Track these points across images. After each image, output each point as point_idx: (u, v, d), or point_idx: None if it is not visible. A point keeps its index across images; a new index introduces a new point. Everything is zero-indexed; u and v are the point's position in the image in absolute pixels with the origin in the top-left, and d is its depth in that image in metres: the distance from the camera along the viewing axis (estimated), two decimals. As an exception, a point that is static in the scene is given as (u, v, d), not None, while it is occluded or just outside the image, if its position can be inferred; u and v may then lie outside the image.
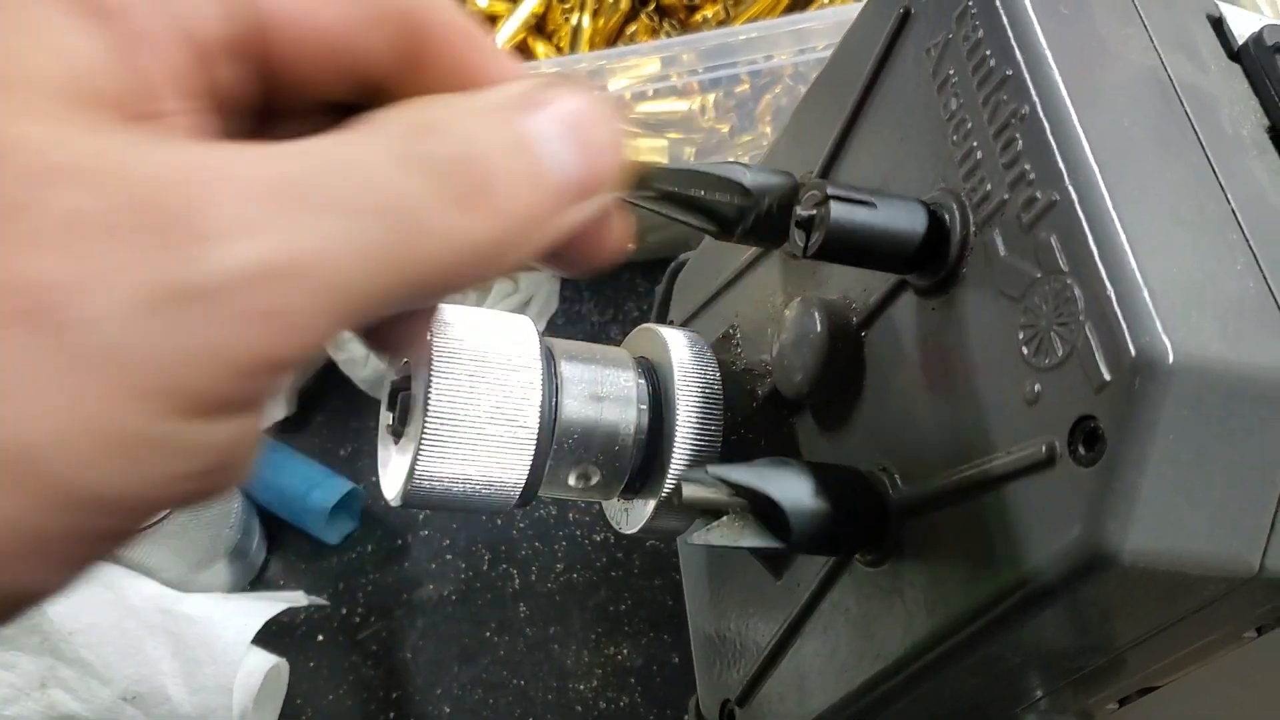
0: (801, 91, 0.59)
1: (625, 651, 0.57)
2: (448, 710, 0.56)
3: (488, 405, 0.34)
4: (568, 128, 0.22)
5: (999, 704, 0.35)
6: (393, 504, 0.35)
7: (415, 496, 0.34)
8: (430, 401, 0.33)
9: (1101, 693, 0.35)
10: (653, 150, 0.61)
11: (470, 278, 0.21)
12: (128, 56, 0.20)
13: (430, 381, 0.33)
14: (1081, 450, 0.26)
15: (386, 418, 0.35)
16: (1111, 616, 0.29)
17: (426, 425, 0.33)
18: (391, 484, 0.35)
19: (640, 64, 0.55)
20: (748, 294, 0.42)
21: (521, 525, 0.61)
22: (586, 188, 0.22)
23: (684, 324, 0.46)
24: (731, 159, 0.36)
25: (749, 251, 0.42)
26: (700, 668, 0.43)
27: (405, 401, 0.34)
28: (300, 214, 0.18)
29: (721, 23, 0.63)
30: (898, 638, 0.32)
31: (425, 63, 0.24)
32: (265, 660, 0.54)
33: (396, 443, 0.35)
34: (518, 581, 0.59)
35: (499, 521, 0.61)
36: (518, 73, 0.24)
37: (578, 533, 0.61)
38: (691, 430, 0.36)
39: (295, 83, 0.23)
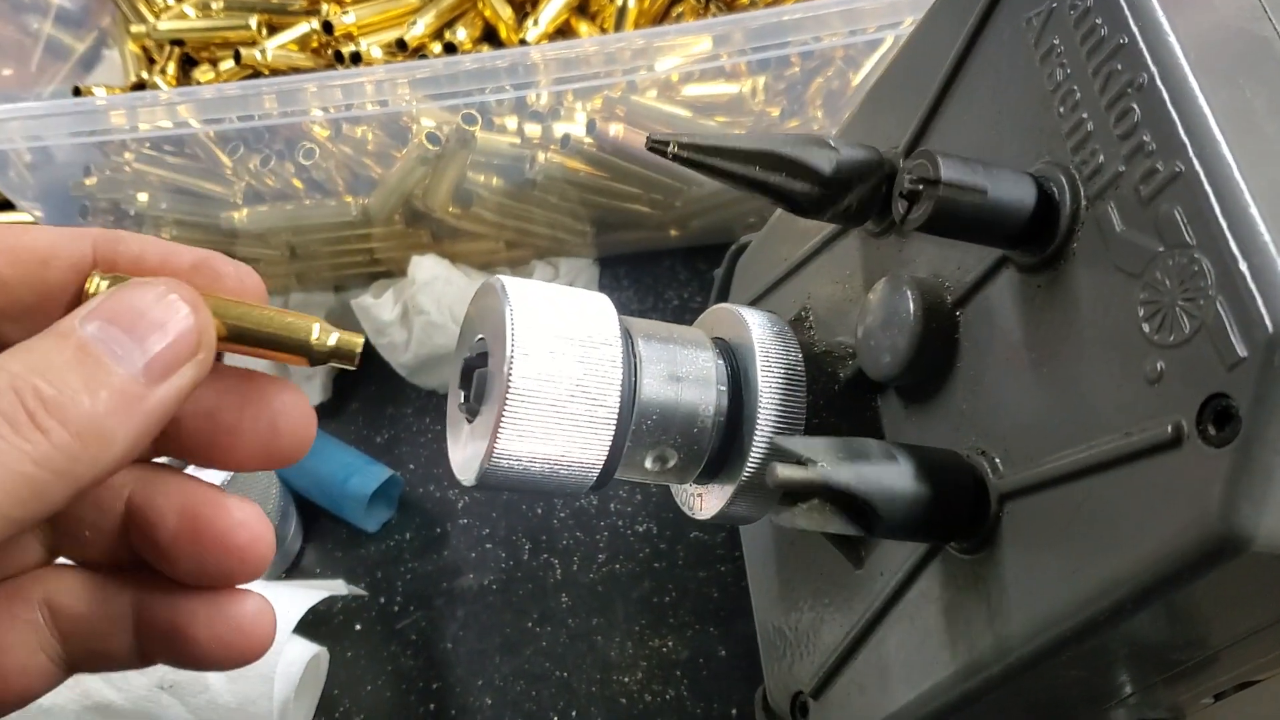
0: (852, 76, 0.58)
1: (670, 644, 0.56)
2: (489, 702, 0.55)
3: (569, 383, 0.32)
4: (117, 319, 0.25)
5: (1089, 700, 0.34)
6: (466, 484, 0.34)
7: (492, 476, 0.33)
8: (512, 377, 0.32)
9: (1198, 688, 0.33)
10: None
11: (62, 487, 0.24)
12: None
13: (511, 357, 0.32)
14: (1212, 430, 0.25)
15: (458, 396, 0.34)
16: (1232, 606, 0.28)
17: (508, 402, 0.32)
18: (466, 464, 0.34)
19: (688, 43, 0.54)
20: (822, 275, 0.41)
21: (562, 515, 0.60)
22: (166, 365, 0.25)
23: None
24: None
25: (822, 232, 0.41)
26: (768, 660, 0.42)
27: (482, 379, 0.33)
28: None
29: (770, 3, 0.62)
30: (994, 629, 0.31)
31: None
32: (306, 649, 0.53)
33: (471, 421, 0.34)
34: (559, 572, 0.58)
35: (539, 510, 0.60)
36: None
37: (620, 523, 0.59)
38: (773, 413, 0.35)
39: None
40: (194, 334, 0.26)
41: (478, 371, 0.33)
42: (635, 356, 0.35)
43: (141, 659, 0.30)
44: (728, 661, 0.55)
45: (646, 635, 0.56)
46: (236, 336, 0.29)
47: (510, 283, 0.33)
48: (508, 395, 0.32)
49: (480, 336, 0.34)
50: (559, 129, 0.57)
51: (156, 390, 0.25)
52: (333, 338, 0.29)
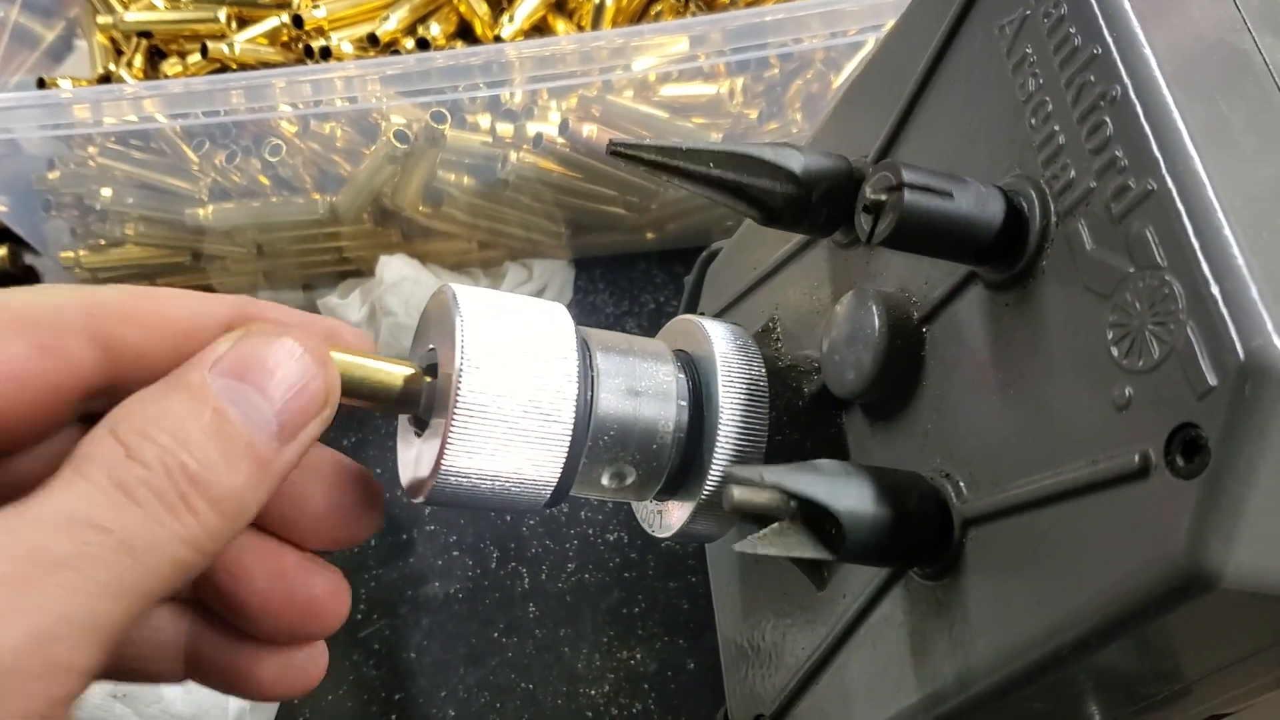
0: (833, 79, 0.57)
1: (639, 656, 0.54)
2: (452, 713, 0.54)
3: (521, 397, 0.31)
4: (248, 375, 0.25)
5: (1055, 729, 0.33)
6: (415, 501, 0.33)
7: (440, 494, 0.32)
8: (460, 392, 0.30)
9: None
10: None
11: (213, 554, 0.24)
12: None
13: (460, 370, 0.31)
14: (1180, 461, 0.24)
15: (409, 408, 0.33)
16: (1202, 642, 0.27)
17: (455, 417, 0.30)
18: (414, 479, 0.33)
19: (666, 43, 0.53)
20: (790, 285, 0.39)
21: (531, 523, 0.59)
22: (296, 424, 0.25)
23: (717, 316, 0.44)
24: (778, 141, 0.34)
25: (791, 241, 0.40)
26: (730, 680, 0.40)
27: (431, 391, 0.32)
28: (37, 588, 0.21)
29: (750, 3, 0.61)
30: (957, 658, 0.30)
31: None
32: (263, 658, 0.51)
33: (419, 434, 0.32)
34: (527, 581, 0.57)
35: (508, 519, 0.59)
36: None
37: (590, 531, 0.58)
38: (735, 429, 0.34)
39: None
40: (323, 391, 0.26)
41: (427, 382, 0.32)
42: (593, 370, 0.34)
43: (180, 679, 0.30)
44: (696, 675, 0.54)
45: (615, 647, 0.55)
46: (349, 390, 0.29)
47: (462, 291, 0.32)
48: (455, 409, 0.30)
49: (431, 346, 0.33)
50: (532, 128, 0.56)
51: (285, 451, 0.25)
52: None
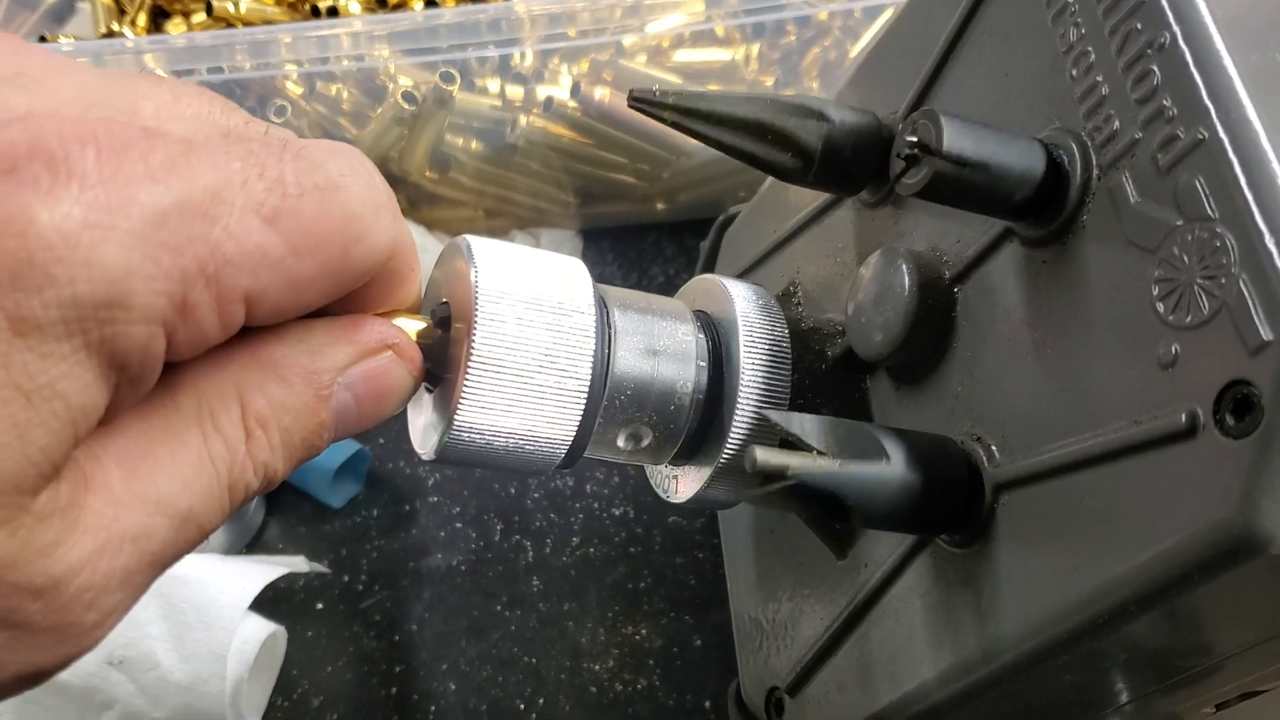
0: (850, 47, 0.56)
1: (644, 632, 0.53)
2: (453, 686, 0.53)
3: (537, 352, 0.30)
4: (367, 398, 0.26)
5: (1084, 706, 0.32)
6: (425, 458, 0.31)
7: (452, 451, 0.31)
8: (474, 345, 0.29)
9: (1200, 696, 0.31)
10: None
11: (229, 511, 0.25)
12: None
13: (475, 322, 0.29)
14: (1230, 420, 0.23)
15: (420, 363, 0.32)
16: (1242, 613, 0.26)
17: (469, 371, 0.29)
18: (425, 436, 0.31)
19: (681, 3, 0.52)
20: (812, 248, 0.38)
21: (536, 495, 0.58)
22: (358, 426, 0.27)
23: (734, 281, 0.43)
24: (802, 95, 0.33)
25: (813, 203, 0.39)
26: (743, 652, 0.39)
27: (443, 345, 0.31)
28: (143, 586, 0.23)
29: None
30: (986, 628, 0.29)
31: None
32: (262, 627, 0.50)
33: (431, 390, 0.31)
34: (531, 554, 0.56)
35: (512, 490, 0.58)
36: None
37: (595, 505, 0.57)
38: (755, 391, 0.33)
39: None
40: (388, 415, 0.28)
41: (439, 336, 0.31)
42: (610, 327, 0.32)
43: None
44: (702, 651, 0.53)
45: (619, 622, 0.54)
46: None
47: (477, 242, 0.31)
48: (469, 363, 0.29)
49: (444, 300, 0.32)
50: (542, 92, 0.54)
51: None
52: None
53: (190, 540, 0.24)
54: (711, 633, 0.53)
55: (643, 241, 0.64)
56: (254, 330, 0.24)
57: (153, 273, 0.21)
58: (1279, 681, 0.31)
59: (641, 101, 0.32)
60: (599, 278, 0.63)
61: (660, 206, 0.62)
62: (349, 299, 0.26)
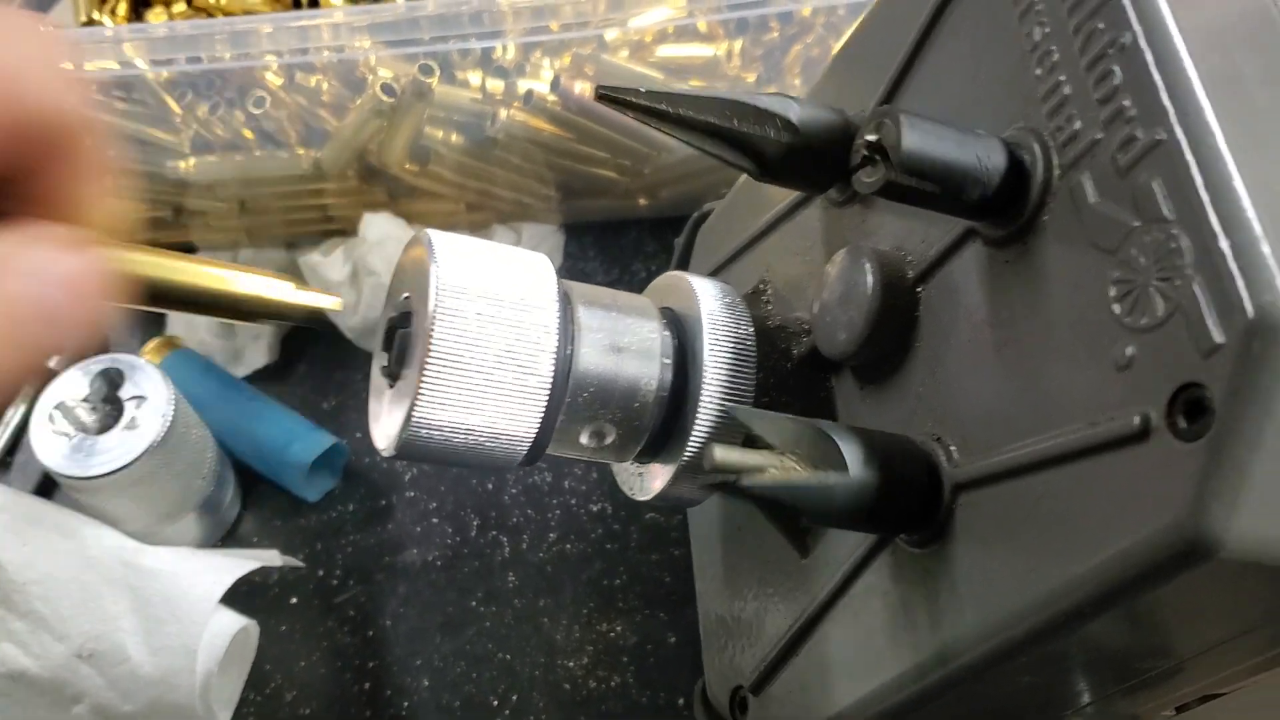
0: (833, 44, 0.56)
1: (619, 629, 0.53)
2: (427, 683, 0.52)
3: (497, 347, 0.30)
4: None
5: (1043, 708, 0.32)
6: (385, 454, 0.31)
7: (411, 447, 0.30)
8: (433, 340, 0.29)
9: (1160, 698, 0.31)
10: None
11: None
12: None
13: (434, 318, 0.29)
14: (1183, 423, 0.23)
15: (381, 358, 0.32)
16: (1199, 615, 0.26)
17: (427, 367, 0.29)
18: (384, 432, 0.31)
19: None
20: (782, 246, 0.38)
21: (513, 491, 0.58)
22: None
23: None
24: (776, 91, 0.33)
25: (784, 200, 0.38)
26: (709, 651, 0.39)
27: (404, 340, 0.31)
28: None
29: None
30: (944, 628, 0.28)
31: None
32: (233, 621, 0.50)
33: (392, 386, 0.31)
34: (507, 550, 0.56)
35: (489, 486, 0.58)
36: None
37: (573, 501, 0.57)
38: (719, 389, 0.33)
39: None
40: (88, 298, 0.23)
41: (400, 332, 0.31)
42: (573, 323, 0.32)
43: None
44: (677, 649, 0.53)
45: (594, 619, 0.54)
46: (162, 297, 0.27)
47: (438, 236, 0.31)
48: (428, 359, 0.29)
49: (406, 294, 0.31)
50: (523, 85, 0.54)
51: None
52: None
53: None
54: (686, 630, 0.53)
55: (624, 237, 0.64)
56: None
57: None
58: (1239, 684, 0.31)
59: (608, 98, 0.32)
60: (580, 274, 0.63)
61: (642, 202, 0.62)
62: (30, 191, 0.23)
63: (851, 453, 0.28)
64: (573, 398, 0.32)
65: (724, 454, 0.27)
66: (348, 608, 0.55)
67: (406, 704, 0.52)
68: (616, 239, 0.64)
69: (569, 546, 0.56)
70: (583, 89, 0.54)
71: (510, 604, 0.54)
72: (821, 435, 0.28)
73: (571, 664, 0.53)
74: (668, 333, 0.34)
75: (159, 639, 0.48)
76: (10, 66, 0.21)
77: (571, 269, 0.63)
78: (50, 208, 0.24)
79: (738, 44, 0.55)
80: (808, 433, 0.28)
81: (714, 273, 0.42)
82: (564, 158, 0.58)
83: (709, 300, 0.34)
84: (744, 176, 0.43)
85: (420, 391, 0.29)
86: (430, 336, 0.29)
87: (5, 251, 0.22)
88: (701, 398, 0.33)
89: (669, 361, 0.33)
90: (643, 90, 0.31)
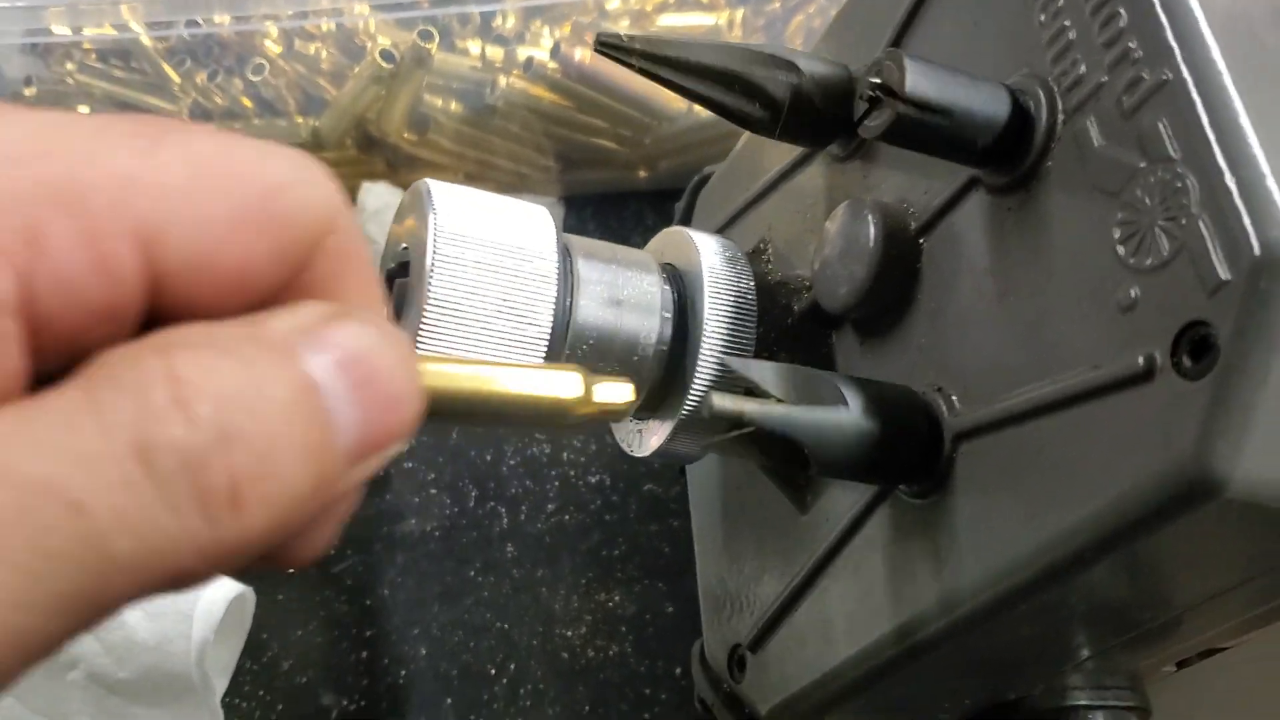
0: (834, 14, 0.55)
1: (617, 599, 0.53)
2: (424, 651, 0.52)
3: (495, 296, 0.30)
4: (352, 369, 0.18)
5: (1043, 661, 0.32)
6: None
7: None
8: (431, 288, 0.29)
9: (1160, 653, 0.31)
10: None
11: (228, 570, 0.17)
12: None
13: (432, 265, 0.29)
14: (1188, 361, 0.23)
15: (379, 310, 0.31)
16: (1200, 561, 0.26)
17: (425, 314, 0.29)
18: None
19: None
20: (784, 204, 0.38)
21: (512, 462, 0.57)
22: (373, 452, 0.18)
23: (706, 240, 0.43)
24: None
25: (785, 159, 0.38)
26: (707, 612, 0.39)
27: (402, 290, 0.30)
28: None
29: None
30: (944, 578, 0.28)
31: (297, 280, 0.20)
32: (229, 589, 0.50)
33: (390, 336, 0.31)
34: (506, 520, 0.56)
35: (487, 457, 0.57)
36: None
37: (571, 473, 0.57)
38: (719, 344, 0.33)
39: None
40: (415, 421, 0.19)
41: (398, 281, 0.31)
42: (573, 275, 0.32)
43: None
44: (675, 619, 0.53)
45: (593, 589, 0.54)
46: (453, 410, 0.22)
47: (436, 186, 0.31)
48: (426, 307, 0.29)
49: (404, 245, 0.31)
50: (523, 53, 0.54)
51: (349, 475, 0.18)
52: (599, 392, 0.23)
53: (58, 526, 0.15)
54: (684, 600, 0.53)
55: (624, 210, 0.64)
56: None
57: None
58: (1239, 639, 0.30)
59: (608, 46, 0.31)
60: (579, 246, 0.63)
61: (642, 174, 0.61)
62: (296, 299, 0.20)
63: (851, 399, 0.28)
64: (571, 350, 0.32)
65: (722, 401, 0.27)
66: (345, 577, 0.54)
67: (404, 673, 0.52)
68: (617, 211, 0.64)
69: (567, 517, 0.56)
70: (583, 55, 0.53)
71: (509, 574, 0.54)
72: (819, 378, 0.28)
73: (570, 633, 0.53)
74: (668, 286, 0.34)
75: (155, 604, 0.48)
76: (276, 175, 0.19)
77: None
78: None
79: (739, 13, 0.55)
80: (807, 378, 0.28)
81: (716, 233, 0.42)
82: (563, 127, 0.57)
83: (710, 255, 0.34)
84: (745, 137, 0.43)
85: (418, 339, 0.29)
86: (428, 284, 0.29)
87: (301, 322, 0.18)
88: (701, 351, 0.33)
89: (669, 316, 0.33)
90: (642, 38, 0.30)
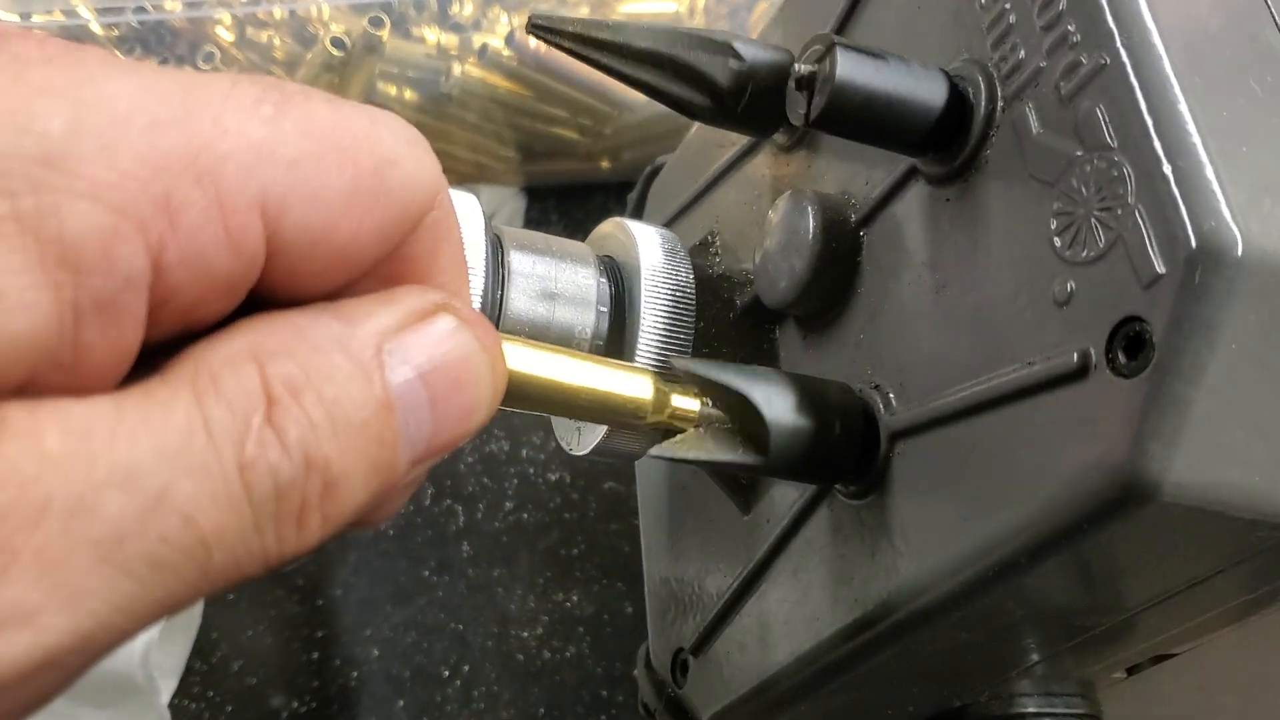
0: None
1: (575, 599, 0.52)
2: (376, 653, 0.51)
3: (418, 289, 0.29)
4: (435, 380, 0.19)
5: (987, 667, 0.31)
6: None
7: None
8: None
9: (1108, 659, 0.30)
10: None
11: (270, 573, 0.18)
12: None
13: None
14: (1122, 358, 0.22)
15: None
16: (1140, 565, 0.25)
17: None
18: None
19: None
20: (731, 197, 0.37)
21: (470, 460, 0.56)
22: (435, 454, 0.19)
23: (656, 232, 0.41)
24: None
25: (733, 150, 0.37)
26: (653, 615, 0.38)
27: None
28: (87, 598, 0.15)
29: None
30: (880, 581, 0.27)
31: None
32: (178, 588, 0.49)
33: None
34: (462, 519, 0.54)
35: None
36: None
37: (531, 471, 0.56)
38: (656, 339, 0.32)
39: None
40: (486, 422, 0.20)
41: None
42: (504, 269, 0.31)
43: None
44: (634, 619, 0.52)
45: (550, 589, 0.53)
46: (524, 399, 0.23)
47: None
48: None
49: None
50: (478, 40, 0.53)
51: (410, 474, 0.19)
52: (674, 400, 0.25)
53: (171, 537, 0.16)
54: (643, 600, 0.52)
55: (589, 202, 0.63)
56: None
57: (110, 143, 0.16)
58: (1191, 643, 0.29)
59: (540, 28, 0.30)
60: (542, 238, 0.62)
61: (605, 164, 0.60)
62: (391, 271, 0.20)
63: (787, 393, 0.27)
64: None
65: (681, 363, 0.26)
66: (296, 576, 0.53)
67: (355, 674, 0.51)
68: (580, 203, 0.63)
69: (525, 516, 0.55)
70: (539, 43, 0.52)
71: (464, 574, 0.53)
72: (755, 374, 0.27)
73: (525, 634, 0.52)
74: (605, 280, 0.32)
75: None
76: (389, 148, 0.19)
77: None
78: (412, 283, 0.21)
79: (701, 1, 0.54)
80: (734, 398, 0.27)
81: (665, 225, 0.41)
82: (523, 116, 0.56)
83: (648, 247, 0.33)
84: (695, 127, 0.42)
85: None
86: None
87: (394, 321, 0.19)
88: (639, 346, 0.32)
89: (605, 310, 0.32)
90: (575, 20, 0.29)
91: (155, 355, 0.18)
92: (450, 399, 0.19)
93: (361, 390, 0.18)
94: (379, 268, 0.20)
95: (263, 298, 0.19)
